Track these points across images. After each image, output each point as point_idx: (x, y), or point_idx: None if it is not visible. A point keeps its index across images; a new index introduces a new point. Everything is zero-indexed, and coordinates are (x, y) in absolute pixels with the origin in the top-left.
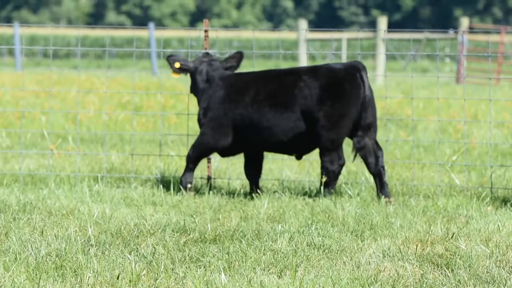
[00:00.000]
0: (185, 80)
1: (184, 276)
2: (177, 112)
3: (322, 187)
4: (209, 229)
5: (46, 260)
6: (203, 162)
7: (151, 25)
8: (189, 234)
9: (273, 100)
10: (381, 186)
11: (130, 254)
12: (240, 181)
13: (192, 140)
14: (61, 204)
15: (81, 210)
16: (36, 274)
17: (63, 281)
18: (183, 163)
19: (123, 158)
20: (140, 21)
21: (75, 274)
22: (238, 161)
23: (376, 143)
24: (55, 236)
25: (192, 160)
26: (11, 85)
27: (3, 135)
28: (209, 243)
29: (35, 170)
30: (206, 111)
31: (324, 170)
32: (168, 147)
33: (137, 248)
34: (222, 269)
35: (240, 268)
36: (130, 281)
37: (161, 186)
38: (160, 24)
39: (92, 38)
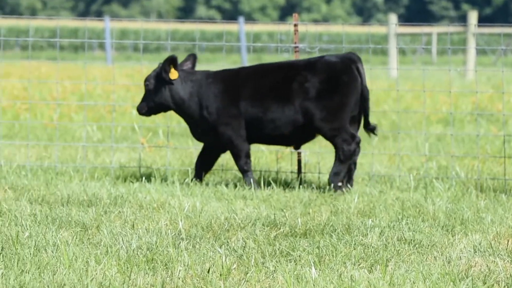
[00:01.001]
0: None
1: (274, 270)
2: None
3: (331, 175)
4: (299, 223)
5: (137, 253)
6: (294, 156)
7: (241, 19)
8: (279, 228)
9: (272, 94)
10: (349, 178)
11: (220, 247)
12: None
13: None
14: (151, 198)
15: (171, 203)
16: (127, 267)
17: (153, 275)
18: (273, 157)
19: None
20: (230, 15)
21: (166, 268)
22: (328, 156)
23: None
24: (146, 229)
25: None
26: (102, 79)
27: (94, 129)
28: (299, 237)
29: (126, 164)
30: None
31: (340, 150)
32: None
33: (227, 242)
34: (312, 263)
35: (331, 262)
36: (220, 274)
37: (252, 180)
38: (249, 18)
39: (182, 32)
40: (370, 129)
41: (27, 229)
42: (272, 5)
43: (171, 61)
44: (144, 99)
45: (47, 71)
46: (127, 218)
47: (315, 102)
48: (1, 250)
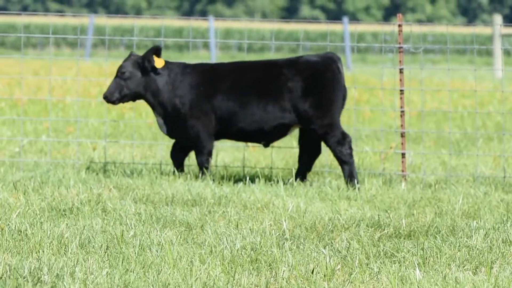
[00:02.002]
0: (380, 75)
1: (378, 271)
2: (371, 106)
3: (345, 176)
4: (404, 225)
5: (241, 253)
6: (398, 156)
7: (345, 19)
8: (384, 229)
9: (253, 92)
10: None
11: (324, 248)
12: (435, 177)
13: (385, 135)
14: (255, 198)
15: (275, 203)
16: (231, 267)
17: (258, 275)
18: (377, 158)
19: None
20: (334, 15)
21: (270, 268)
22: (432, 156)
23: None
24: (250, 229)
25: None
26: None
27: None
28: (404, 238)
29: (230, 164)
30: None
31: (338, 153)
32: (362, 141)
33: (331, 243)
34: (416, 265)
35: (435, 264)
36: (324, 275)
37: (356, 181)
38: (354, 18)
39: (286, 32)
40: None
41: (132, 228)
42: (377, 5)
43: (155, 51)
44: (115, 87)
45: None
46: (231, 218)
47: (301, 99)
48: (106, 249)
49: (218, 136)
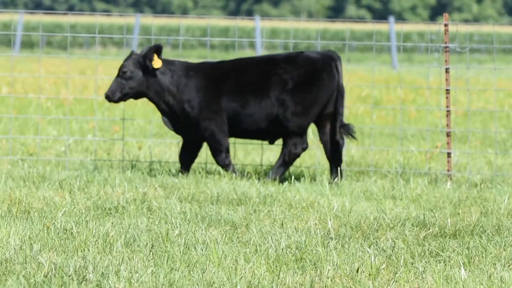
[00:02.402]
0: (426, 74)
1: (423, 271)
2: (417, 106)
3: (273, 169)
4: (449, 224)
5: (286, 252)
6: (443, 156)
7: (391, 19)
8: (429, 229)
9: (252, 88)
10: (336, 173)
11: (369, 247)
12: (480, 176)
13: (431, 134)
14: (301, 197)
15: (320, 203)
16: (276, 266)
17: (302, 274)
18: (422, 157)
19: (363, 152)
20: (380, 15)
21: (315, 267)
22: (478, 156)
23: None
24: (295, 228)
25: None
26: None
27: None
28: (449, 237)
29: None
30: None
31: (286, 152)
32: (407, 141)
33: (376, 242)
34: (462, 264)
35: (480, 263)
36: (369, 274)
37: (401, 180)
38: (400, 17)
39: (332, 31)
40: (345, 129)
41: (177, 227)
42: (423, 5)
43: (155, 49)
44: (117, 86)
45: None
46: (276, 217)
47: (291, 95)
48: (151, 247)
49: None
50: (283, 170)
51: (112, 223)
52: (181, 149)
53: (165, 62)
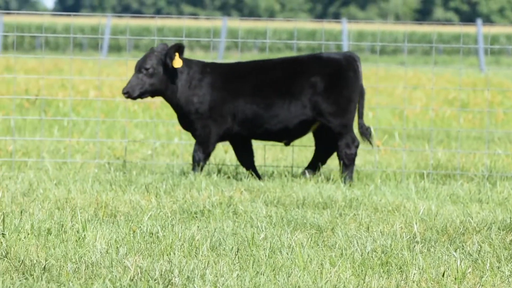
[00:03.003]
0: None
1: (509, 275)
2: (504, 109)
3: (341, 173)
4: None
5: (371, 256)
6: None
7: (479, 21)
8: None
9: (276, 89)
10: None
11: (455, 251)
12: None
13: None
14: (386, 200)
15: (406, 206)
16: (362, 270)
17: (388, 278)
18: (509, 161)
19: (449, 155)
20: (468, 17)
21: (400, 271)
22: None
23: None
24: (380, 232)
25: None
26: None
27: None
28: None
29: (361, 166)
30: None
31: (342, 155)
32: (494, 144)
33: (462, 246)
34: None
35: None
36: (455, 278)
37: (487, 183)
38: (487, 20)
39: (419, 34)
40: (364, 132)
41: (263, 230)
42: (511, 7)
43: (177, 48)
44: (138, 82)
45: None
46: (362, 220)
47: (322, 97)
48: (237, 251)
49: (241, 136)
50: (351, 172)
51: (198, 226)
52: (237, 154)
53: (185, 61)
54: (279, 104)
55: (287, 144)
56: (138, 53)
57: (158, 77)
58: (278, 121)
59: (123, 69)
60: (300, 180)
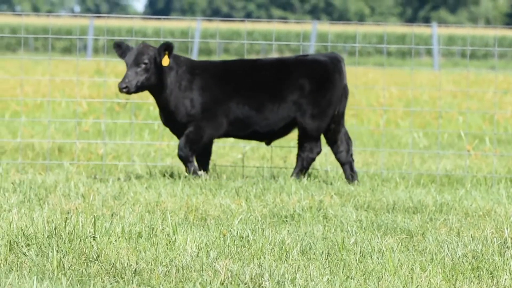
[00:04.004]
0: None
1: None
2: None
3: (294, 173)
4: None
5: (462, 261)
6: None
7: None
8: None
9: (266, 91)
10: (351, 175)
11: None
12: None
13: None
14: (477, 205)
15: (497, 211)
16: (452, 275)
17: (479, 283)
18: None
19: None
20: None
21: (491, 276)
22: None
23: (346, 132)
24: (471, 237)
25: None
26: (429, 85)
27: (420, 135)
28: None
29: (451, 171)
30: None
31: (304, 157)
32: None
33: None
34: None
35: None
36: None
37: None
38: None
39: (510, 38)
40: (340, 154)
41: (353, 235)
42: None
43: (166, 48)
44: (135, 76)
45: (374, 76)
46: (452, 225)
47: (307, 100)
48: (327, 255)
49: (225, 136)
50: (302, 175)
51: (288, 230)
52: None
53: (173, 58)
54: (269, 106)
55: (268, 143)
56: (228, 57)
57: (154, 72)
58: (268, 122)
59: None
60: (390, 184)
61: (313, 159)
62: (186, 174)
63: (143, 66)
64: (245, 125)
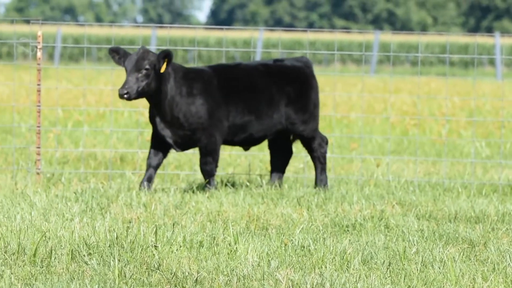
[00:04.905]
0: None
1: None
2: None
3: (317, 176)
4: None
5: None
6: None
7: None
8: None
9: (260, 96)
10: (280, 183)
11: None
12: None
13: None
14: None
15: None
16: None
17: None
18: None
19: None
20: None
21: None
22: None
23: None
24: None
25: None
26: (491, 95)
27: (483, 145)
28: None
29: None
30: None
31: (318, 155)
32: None
33: None
34: None
35: None
36: None
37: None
38: None
39: None
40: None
41: (414, 244)
42: None
43: (166, 56)
44: (135, 82)
45: (437, 86)
46: None
47: (294, 106)
48: (389, 265)
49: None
50: (326, 176)
51: (350, 240)
52: (150, 154)
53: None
54: (264, 112)
55: (247, 149)
56: None
57: (154, 78)
58: (262, 128)
59: None
60: (452, 194)
61: (326, 151)
62: (208, 188)
63: (144, 71)
64: (242, 130)
